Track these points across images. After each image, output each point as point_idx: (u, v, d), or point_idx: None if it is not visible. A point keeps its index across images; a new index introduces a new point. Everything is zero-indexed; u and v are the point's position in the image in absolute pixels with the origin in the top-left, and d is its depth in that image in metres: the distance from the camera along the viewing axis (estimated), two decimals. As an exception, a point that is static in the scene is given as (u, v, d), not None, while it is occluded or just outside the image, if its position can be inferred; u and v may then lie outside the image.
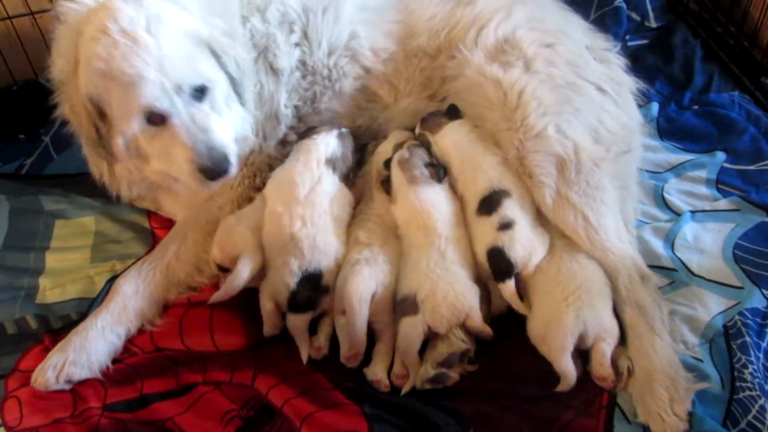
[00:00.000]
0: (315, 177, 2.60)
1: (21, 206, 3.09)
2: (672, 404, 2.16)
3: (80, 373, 2.41)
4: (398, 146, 2.74)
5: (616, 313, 2.36)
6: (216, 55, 2.47)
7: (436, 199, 2.55)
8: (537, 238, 2.46)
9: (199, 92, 2.41)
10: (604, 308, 2.33)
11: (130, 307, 2.54)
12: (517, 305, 2.39)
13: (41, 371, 2.39)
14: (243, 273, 2.47)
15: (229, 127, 2.50)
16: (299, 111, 2.87)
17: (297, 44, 2.81)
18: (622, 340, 2.34)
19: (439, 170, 2.63)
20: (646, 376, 2.24)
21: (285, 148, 2.86)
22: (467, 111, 2.79)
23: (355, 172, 2.80)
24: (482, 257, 2.44)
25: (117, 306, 2.53)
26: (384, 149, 2.78)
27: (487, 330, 2.35)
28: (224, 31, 2.55)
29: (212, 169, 2.37)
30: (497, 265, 2.40)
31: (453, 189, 2.63)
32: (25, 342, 2.57)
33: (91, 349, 2.44)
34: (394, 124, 2.97)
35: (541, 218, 2.57)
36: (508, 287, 2.38)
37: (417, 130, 2.80)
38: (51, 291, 2.75)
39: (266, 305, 2.45)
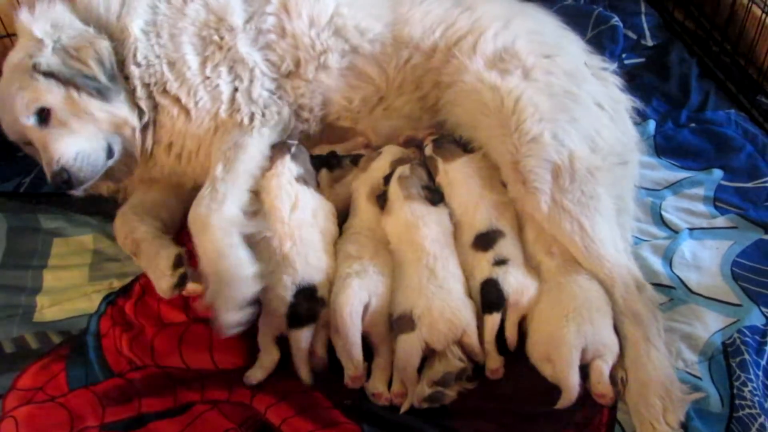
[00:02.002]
0: (292, 196, 2.62)
1: (19, 224, 3.09)
2: (665, 414, 2.17)
3: None
4: (395, 163, 2.77)
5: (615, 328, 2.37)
6: (50, 74, 2.63)
7: (427, 218, 2.57)
8: (528, 277, 2.46)
9: (42, 115, 2.65)
10: (604, 324, 2.33)
11: None
12: (491, 341, 2.37)
13: None
14: None
15: (73, 138, 2.65)
16: (279, 68, 2.88)
17: (272, 14, 2.87)
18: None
19: (435, 195, 2.66)
20: (640, 386, 2.24)
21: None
22: (462, 118, 2.81)
23: (339, 164, 2.91)
24: (476, 290, 2.45)
25: None
26: (379, 165, 2.79)
27: (480, 351, 2.36)
28: (78, 37, 2.70)
29: (54, 184, 2.65)
30: (489, 295, 2.40)
31: (450, 214, 2.64)
32: (23, 361, 2.56)
33: None
34: (390, 122, 2.99)
35: (532, 232, 2.59)
36: (494, 321, 2.37)
37: (428, 152, 2.80)
38: (49, 309, 2.75)
39: (268, 347, 2.43)
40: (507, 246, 2.51)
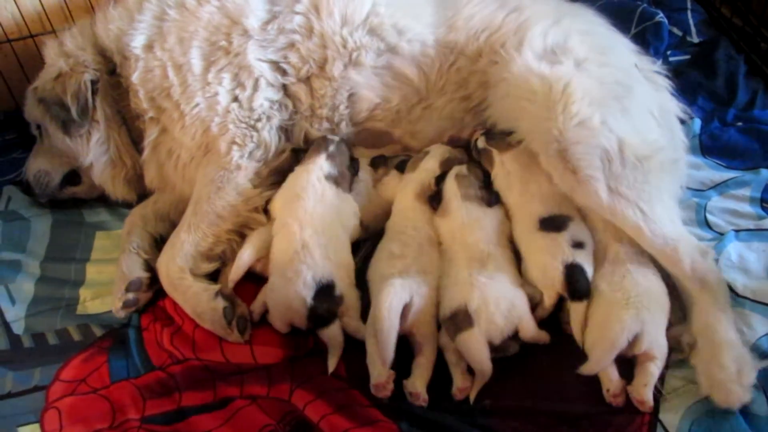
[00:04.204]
0: (319, 192, 2.65)
1: (63, 218, 3.16)
2: (739, 376, 2.17)
3: None
4: (444, 163, 2.76)
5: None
6: (41, 99, 2.96)
7: (483, 219, 2.56)
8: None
9: (39, 130, 3.10)
10: (662, 320, 2.31)
11: None
12: (578, 331, 2.36)
13: None
14: (244, 257, 2.65)
15: (40, 158, 3.12)
16: (299, 71, 2.88)
17: (300, 13, 2.86)
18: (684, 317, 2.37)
19: (491, 195, 2.65)
20: (712, 348, 2.24)
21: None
22: (507, 109, 2.76)
23: (386, 163, 2.93)
24: (556, 271, 2.40)
25: None
26: (428, 166, 2.77)
27: (543, 335, 2.34)
28: (74, 66, 2.92)
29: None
30: (577, 283, 2.38)
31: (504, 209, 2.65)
32: (66, 352, 2.60)
33: None
34: (431, 125, 2.98)
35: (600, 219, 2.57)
36: (583, 308, 2.36)
37: (481, 144, 2.78)
38: (91, 302, 2.80)
39: (281, 328, 2.51)
40: (579, 230, 2.50)
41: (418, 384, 2.32)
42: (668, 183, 2.62)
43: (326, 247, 2.51)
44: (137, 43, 2.85)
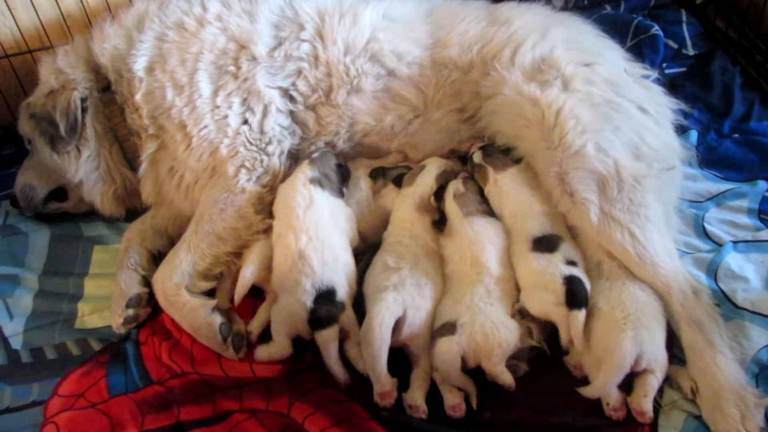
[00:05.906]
0: (306, 197, 2.65)
1: (61, 232, 3.15)
2: (744, 421, 2.15)
3: None
4: (440, 176, 2.76)
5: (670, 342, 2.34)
6: (32, 114, 2.95)
7: (491, 231, 2.58)
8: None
9: (30, 145, 3.07)
10: (660, 335, 2.30)
11: None
12: (578, 339, 2.33)
13: None
14: (247, 274, 2.63)
15: (28, 172, 3.10)
16: (308, 98, 2.90)
17: (306, 40, 2.88)
18: (682, 360, 2.33)
19: (490, 206, 2.67)
20: (713, 395, 2.21)
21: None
22: (504, 129, 2.79)
23: (384, 175, 2.91)
24: (556, 285, 2.38)
25: None
26: (425, 181, 2.76)
27: (506, 378, 2.29)
28: (64, 84, 2.93)
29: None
30: (577, 292, 2.36)
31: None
32: (65, 367, 2.61)
33: None
34: (428, 137, 2.99)
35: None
36: (582, 316, 2.33)
37: (477, 160, 2.79)
38: (89, 317, 2.80)
39: (282, 340, 2.48)
40: (570, 250, 2.52)
41: (417, 396, 2.32)
42: (667, 201, 2.64)
43: (322, 251, 2.52)
44: (140, 65, 2.84)
